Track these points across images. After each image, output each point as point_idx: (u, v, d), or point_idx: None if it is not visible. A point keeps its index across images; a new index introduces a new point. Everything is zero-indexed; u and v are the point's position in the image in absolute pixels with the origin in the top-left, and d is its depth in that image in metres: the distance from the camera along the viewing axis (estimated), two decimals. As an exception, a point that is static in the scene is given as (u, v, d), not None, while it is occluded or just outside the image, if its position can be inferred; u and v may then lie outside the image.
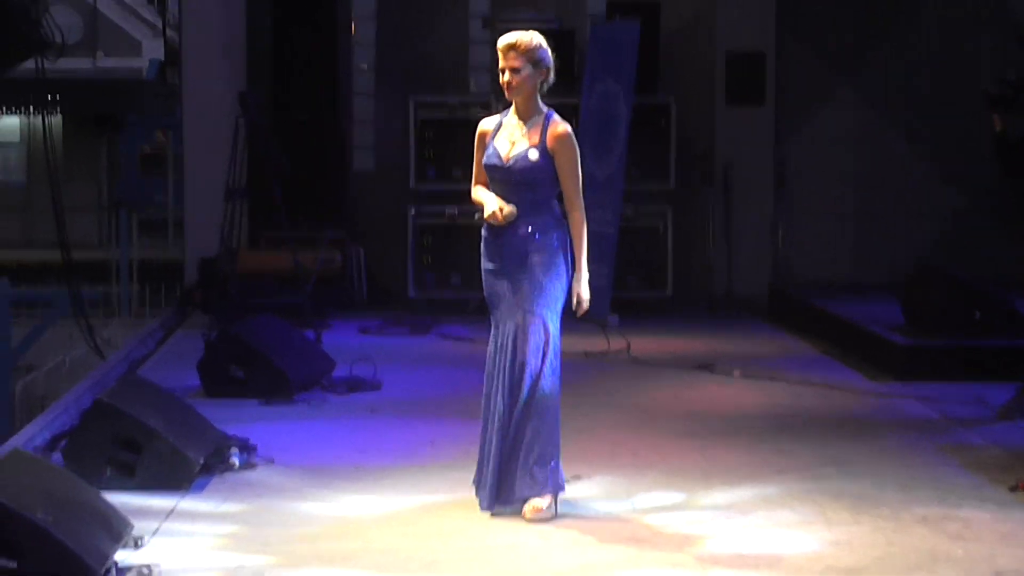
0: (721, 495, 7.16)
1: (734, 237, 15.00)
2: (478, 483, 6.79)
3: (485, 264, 6.82)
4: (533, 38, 6.72)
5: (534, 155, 6.73)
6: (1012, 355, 10.48)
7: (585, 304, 6.72)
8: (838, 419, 9.12)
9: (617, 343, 11.64)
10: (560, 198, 6.78)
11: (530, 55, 6.68)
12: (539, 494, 6.63)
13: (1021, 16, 13.25)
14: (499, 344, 6.74)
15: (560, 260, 6.72)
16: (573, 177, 6.75)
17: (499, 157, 6.76)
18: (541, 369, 6.65)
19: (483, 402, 6.76)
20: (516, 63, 6.67)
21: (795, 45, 15.23)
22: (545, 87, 6.77)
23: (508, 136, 6.77)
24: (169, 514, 6.75)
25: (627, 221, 13.63)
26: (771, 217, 15.10)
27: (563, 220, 6.76)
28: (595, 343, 11.45)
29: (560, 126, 6.74)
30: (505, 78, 6.71)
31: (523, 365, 6.65)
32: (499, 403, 6.69)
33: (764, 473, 7.60)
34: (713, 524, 6.64)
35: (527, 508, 6.66)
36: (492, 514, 6.69)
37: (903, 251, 15.00)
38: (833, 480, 7.44)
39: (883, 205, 15.39)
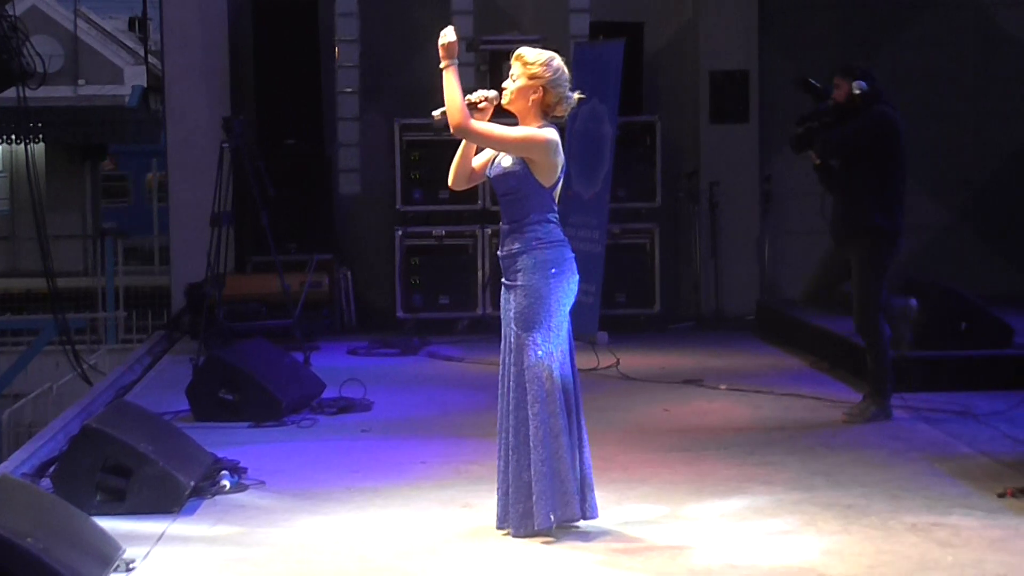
0: (712, 507, 7.17)
1: (721, 253, 15.03)
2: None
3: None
4: (541, 56, 6.66)
5: (507, 161, 6.67)
6: (998, 365, 10.58)
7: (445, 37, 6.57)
8: (826, 431, 9.13)
9: (606, 360, 11.65)
10: (551, 212, 6.67)
11: (529, 69, 6.63)
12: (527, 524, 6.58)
13: None
14: (501, 360, 6.72)
15: (540, 281, 6.57)
16: (514, 130, 6.64)
17: (490, 168, 6.76)
18: (525, 397, 6.57)
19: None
20: (514, 72, 6.67)
21: (778, 62, 15.26)
22: (549, 111, 6.66)
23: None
24: (160, 537, 6.73)
25: (614, 239, 13.66)
26: (757, 233, 15.14)
27: (551, 240, 6.62)
28: (584, 360, 11.41)
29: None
30: (503, 85, 6.72)
31: (510, 389, 6.63)
32: (500, 422, 6.68)
33: (754, 485, 7.62)
34: (705, 535, 6.65)
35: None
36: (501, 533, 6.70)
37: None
38: (822, 490, 7.46)
39: (869, 219, 15.40)
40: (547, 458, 6.51)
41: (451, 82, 6.55)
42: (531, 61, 6.66)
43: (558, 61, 6.71)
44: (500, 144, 6.64)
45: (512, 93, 6.68)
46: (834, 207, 9.70)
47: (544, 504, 6.51)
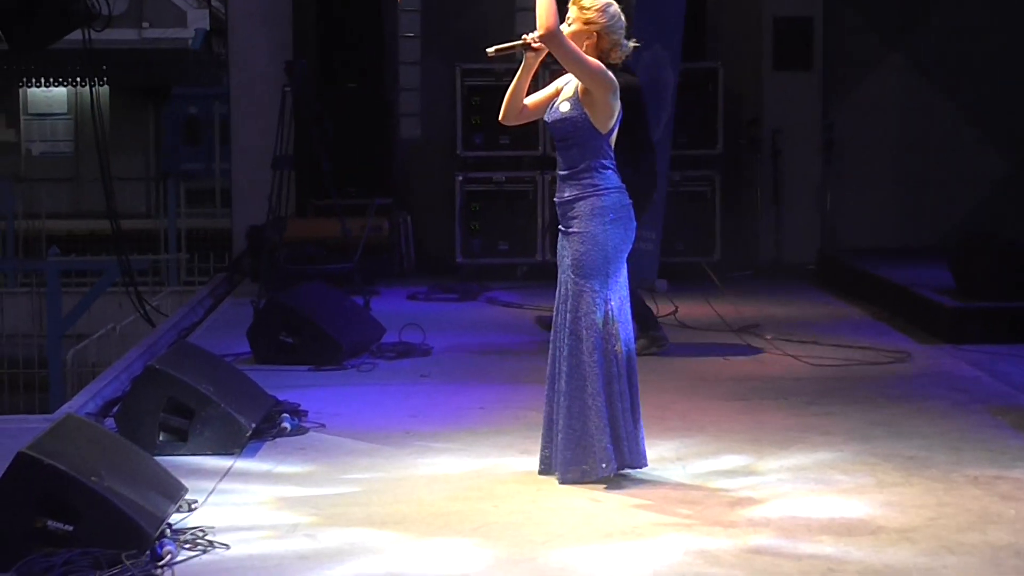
0: (771, 458, 7.14)
1: (782, 202, 14.95)
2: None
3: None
4: (597, 2, 6.64)
5: (565, 107, 6.66)
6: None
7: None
8: (887, 382, 9.09)
9: (665, 308, 11.61)
10: (608, 159, 6.68)
11: (584, 14, 6.63)
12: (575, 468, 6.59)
13: None
14: (556, 308, 6.72)
15: (598, 228, 6.54)
16: (590, 58, 6.56)
17: (547, 113, 6.76)
18: (580, 344, 6.55)
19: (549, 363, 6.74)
20: (570, 16, 6.66)
21: (843, 10, 15.12)
22: (604, 57, 6.61)
23: (563, 94, 6.75)
24: (222, 477, 6.80)
25: (675, 187, 13.59)
26: (819, 182, 15.04)
27: (608, 187, 6.60)
28: (643, 308, 11.42)
29: None
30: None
31: (565, 336, 6.60)
32: (550, 369, 6.69)
33: (813, 436, 7.59)
34: (763, 487, 6.63)
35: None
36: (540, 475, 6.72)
37: (951, 216, 14.91)
38: (883, 442, 7.42)
39: (931, 170, 15.29)
40: (603, 406, 6.51)
41: None
42: (587, 7, 6.67)
43: (614, 8, 6.69)
44: (577, 63, 6.53)
45: (567, 37, 6.66)
46: None
47: (598, 452, 6.51)
